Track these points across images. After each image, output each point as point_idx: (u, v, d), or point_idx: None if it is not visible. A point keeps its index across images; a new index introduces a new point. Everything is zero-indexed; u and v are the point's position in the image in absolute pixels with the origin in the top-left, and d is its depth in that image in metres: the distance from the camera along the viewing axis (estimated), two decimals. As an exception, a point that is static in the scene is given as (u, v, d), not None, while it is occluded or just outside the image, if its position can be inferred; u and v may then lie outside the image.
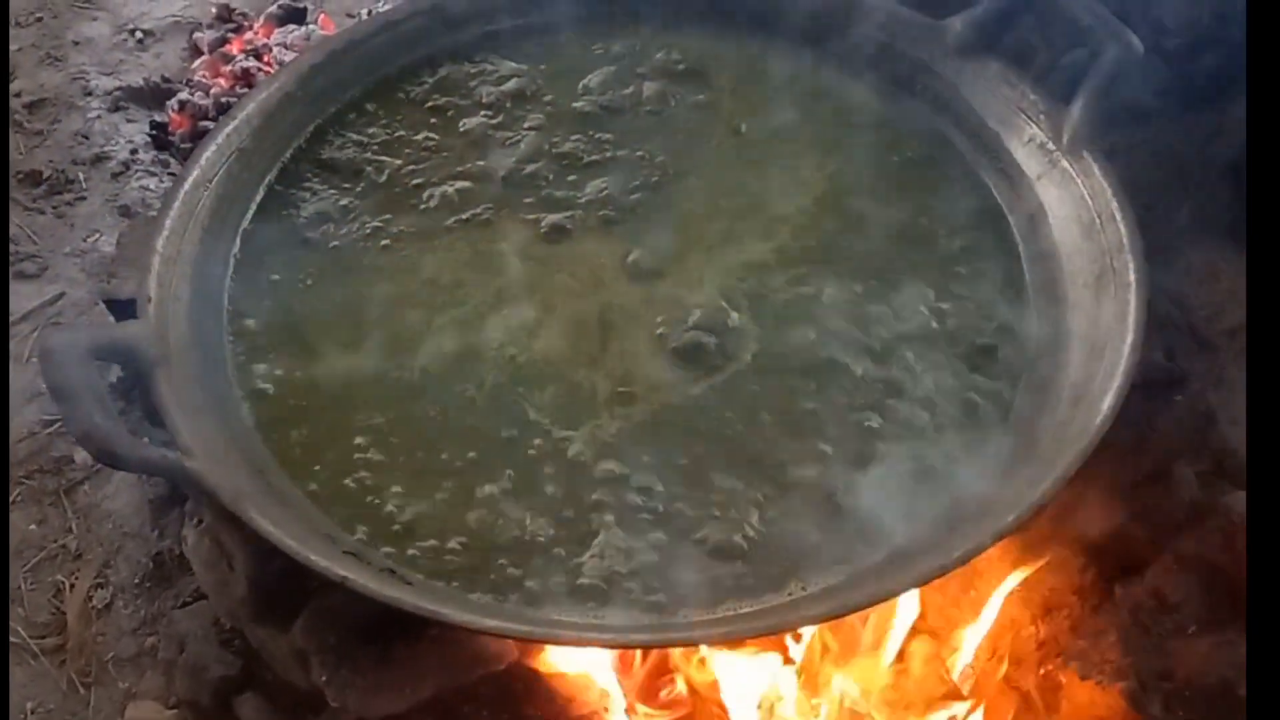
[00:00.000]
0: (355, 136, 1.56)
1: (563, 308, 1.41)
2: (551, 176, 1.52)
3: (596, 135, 1.56)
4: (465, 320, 1.39)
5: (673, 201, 1.50)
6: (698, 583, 1.19)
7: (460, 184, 1.51)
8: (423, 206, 1.49)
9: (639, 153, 1.54)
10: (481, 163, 1.53)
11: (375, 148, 1.55)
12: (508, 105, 1.59)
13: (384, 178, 1.52)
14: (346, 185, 1.51)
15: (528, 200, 1.50)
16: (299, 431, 1.30)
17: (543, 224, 1.47)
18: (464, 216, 1.48)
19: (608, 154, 1.54)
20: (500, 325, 1.39)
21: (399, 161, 1.53)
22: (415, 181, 1.52)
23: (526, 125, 1.57)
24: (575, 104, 1.59)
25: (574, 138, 1.55)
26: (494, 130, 1.57)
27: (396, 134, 1.56)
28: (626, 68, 1.62)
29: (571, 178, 1.52)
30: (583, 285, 1.43)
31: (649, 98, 1.59)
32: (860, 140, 1.56)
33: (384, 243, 1.46)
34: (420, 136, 1.56)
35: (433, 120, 1.58)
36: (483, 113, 1.59)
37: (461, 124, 1.58)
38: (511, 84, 1.61)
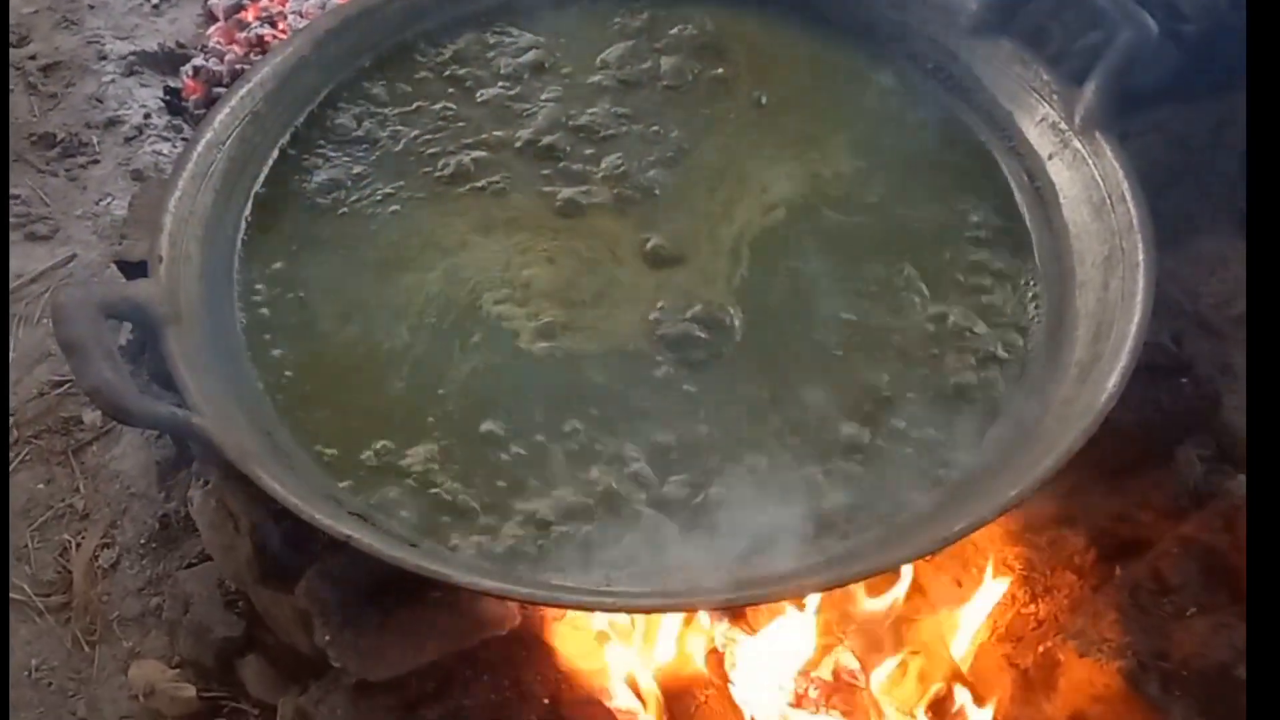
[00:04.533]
0: (370, 104, 1.56)
1: (566, 275, 1.41)
2: (569, 149, 1.52)
3: (614, 109, 1.56)
4: (474, 282, 1.40)
5: (688, 178, 1.50)
6: (697, 551, 1.20)
7: (477, 153, 1.51)
8: (437, 174, 1.49)
9: (655, 127, 1.54)
10: (499, 133, 1.54)
11: (391, 115, 1.55)
12: (525, 77, 1.59)
13: (399, 145, 1.52)
14: (360, 152, 1.52)
15: (544, 172, 1.50)
16: (306, 393, 1.31)
17: (558, 198, 1.48)
18: (479, 185, 1.49)
19: (624, 128, 1.54)
20: (507, 288, 1.40)
21: (415, 130, 1.54)
22: (431, 150, 1.52)
23: (544, 97, 1.57)
24: (593, 78, 1.59)
25: (591, 111, 1.55)
26: (511, 101, 1.57)
27: (414, 103, 1.56)
28: (644, 43, 1.62)
29: (588, 151, 1.52)
30: (595, 259, 1.43)
31: (667, 72, 1.59)
32: (872, 118, 1.56)
33: (394, 208, 1.46)
34: (438, 106, 1.56)
35: (450, 90, 1.58)
36: (500, 83, 1.59)
37: (479, 94, 1.58)
38: (530, 56, 1.61)
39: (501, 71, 1.59)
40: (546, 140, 1.52)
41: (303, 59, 1.54)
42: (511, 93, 1.58)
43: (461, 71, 1.59)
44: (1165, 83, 1.69)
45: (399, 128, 1.54)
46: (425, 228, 1.45)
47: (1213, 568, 1.41)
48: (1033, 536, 1.46)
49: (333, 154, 1.52)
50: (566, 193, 1.48)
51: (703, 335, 1.35)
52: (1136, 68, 1.43)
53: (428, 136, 1.53)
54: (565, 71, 1.60)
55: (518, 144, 1.52)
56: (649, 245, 1.43)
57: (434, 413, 1.30)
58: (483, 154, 1.52)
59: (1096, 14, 1.43)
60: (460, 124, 1.55)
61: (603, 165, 1.50)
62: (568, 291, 1.39)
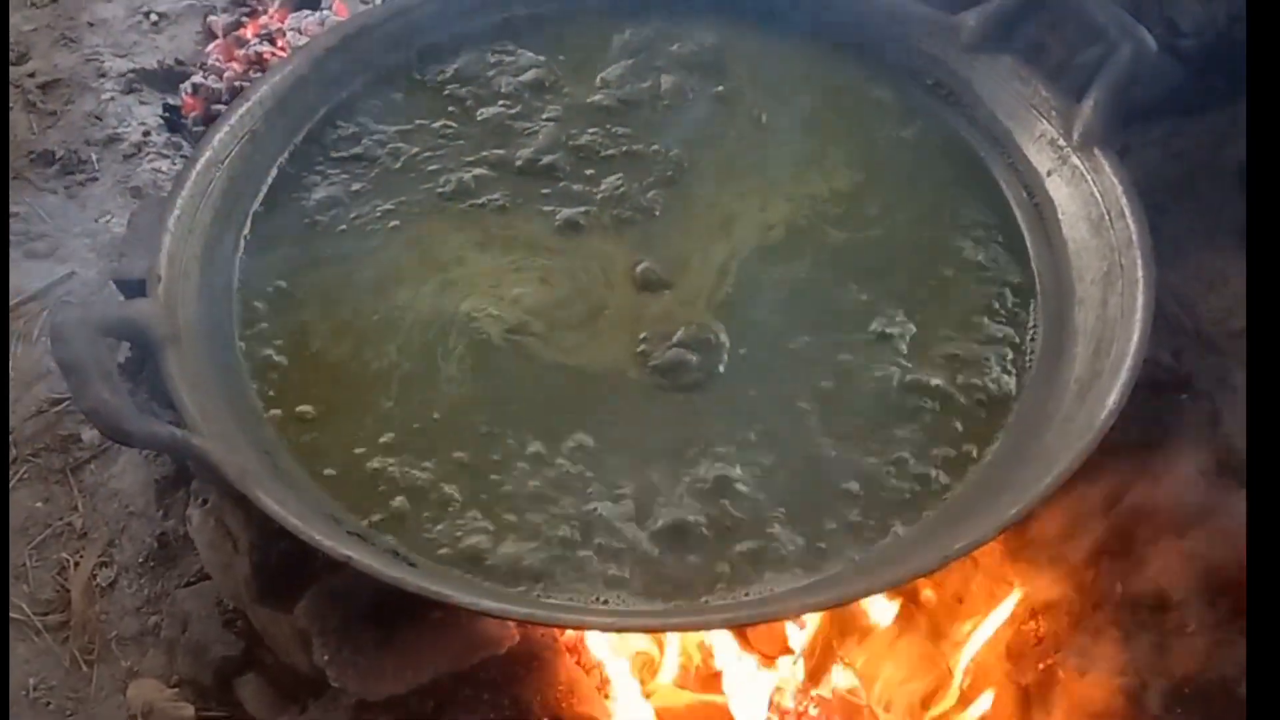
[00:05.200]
0: (369, 122, 1.56)
1: (558, 295, 1.41)
2: (569, 169, 1.51)
3: (614, 129, 1.55)
4: (464, 298, 1.40)
5: (688, 198, 1.49)
6: (693, 571, 1.20)
7: (477, 171, 1.51)
8: (438, 190, 1.49)
9: (655, 146, 1.53)
10: (499, 151, 1.53)
11: (391, 133, 1.55)
12: (526, 96, 1.59)
13: (399, 163, 1.52)
14: (359, 169, 1.51)
15: (544, 192, 1.49)
16: (305, 411, 1.30)
17: (557, 218, 1.47)
18: (479, 202, 1.48)
19: (624, 149, 1.54)
20: (496, 305, 1.39)
21: (415, 148, 1.53)
22: (431, 167, 1.52)
23: (545, 116, 1.57)
24: (593, 97, 1.59)
25: (591, 131, 1.55)
26: (512, 120, 1.57)
27: (414, 120, 1.56)
28: (644, 61, 1.62)
29: (589, 172, 1.51)
30: (589, 280, 1.42)
31: (667, 91, 1.59)
32: (870, 134, 1.56)
33: (393, 224, 1.46)
34: (438, 124, 1.56)
35: (450, 108, 1.58)
36: (501, 102, 1.58)
37: (480, 113, 1.57)
38: (530, 74, 1.60)
39: (502, 90, 1.59)
40: (547, 160, 1.52)
41: (301, 77, 1.54)
42: (512, 111, 1.57)
43: (462, 90, 1.59)
44: (1164, 98, 1.69)
45: (398, 145, 1.54)
46: (423, 243, 1.45)
47: (1214, 584, 1.40)
48: (1033, 553, 1.45)
49: (332, 172, 1.51)
50: (566, 213, 1.47)
51: (692, 359, 1.34)
52: (1135, 83, 1.43)
53: (428, 154, 1.53)
54: (566, 90, 1.59)
55: (518, 163, 1.52)
56: (641, 267, 1.42)
57: (429, 430, 1.29)
58: (483, 171, 1.51)
59: (1095, 29, 1.43)
60: (460, 142, 1.54)
61: (603, 186, 1.49)
62: (557, 311, 1.39)
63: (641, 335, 1.36)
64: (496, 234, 1.46)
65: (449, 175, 1.51)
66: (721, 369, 1.34)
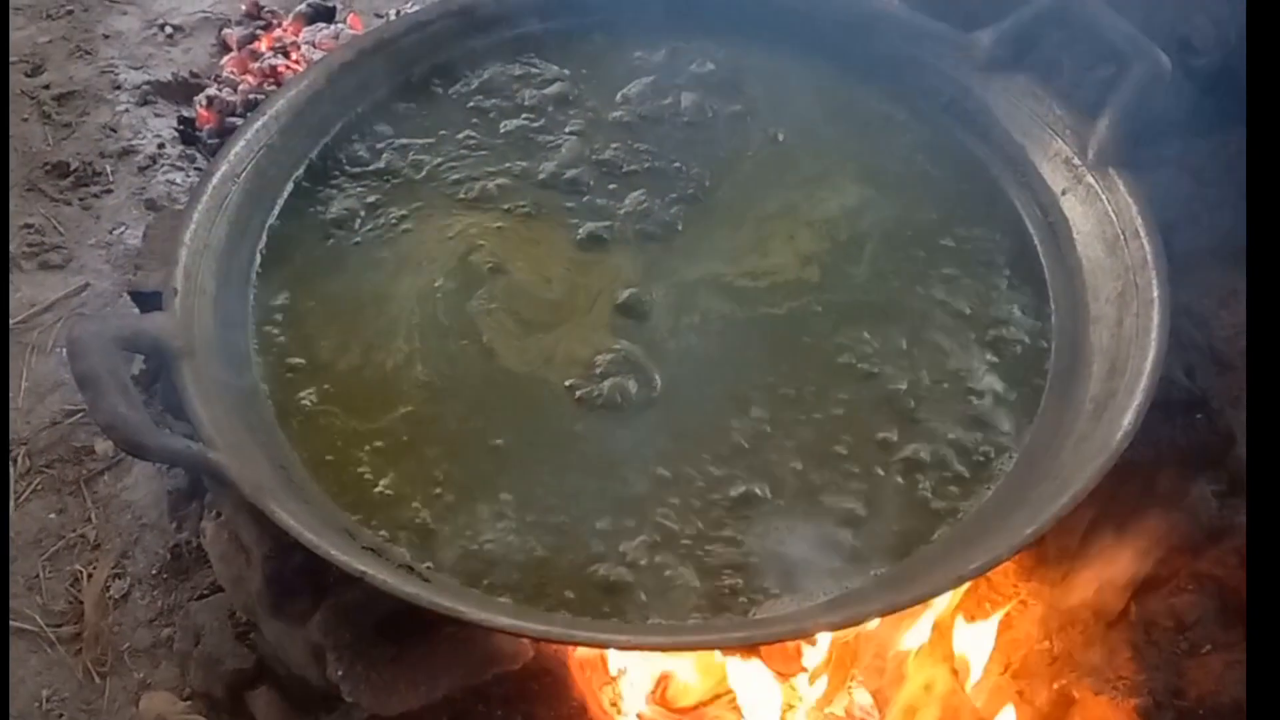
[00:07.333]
0: (388, 134, 1.57)
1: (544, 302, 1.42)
2: (591, 183, 1.52)
3: (635, 145, 1.56)
4: (477, 309, 1.41)
5: (710, 218, 1.50)
6: (705, 589, 1.20)
7: (500, 180, 1.52)
8: (460, 197, 1.50)
9: (676, 164, 1.54)
10: (523, 163, 1.54)
11: (412, 145, 1.56)
12: (549, 109, 1.60)
13: (421, 173, 1.53)
14: (377, 181, 1.52)
15: (568, 205, 1.50)
16: (320, 424, 1.31)
17: (580, 231, 1.48)
18: (504, 208, 1.50)
19: (646, 165, 1.54)
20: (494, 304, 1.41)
21: (438, 159, 1.54)
22: (455, 176, 1.53)
23: (567, 130, 1.58)
24: (614, 113, 1.59)
25: (614, 146, 1.56)
26: (535, 133, 1.57)
27: (438, 132, 1.57)
28: (664, 78, 1.63)
29: (611, 186, 1.52)
30: (583, 301, 1.43)
31: (687, 109, 1.60)
32: (884, 152, 1.56)
33: (406, 226, 1.48)
34: (461, 135, 1.57)
35: (474, 120, 1.59)
36: (524, 115, 1.59)
37: (503, 125, 1.58)
38: (554, 88, 1.61)
39: (525, 103, 1.60)
40: (570, 174, 1.53)
41: (318, 91, 1.54)
42: (535, 125, 1.58)
43: (486, 102, 1.60)
44: (1178, 117, 1.69)
45: (420, 157, 1.55)
46: (435, 240, 1.46)
47: (1227, 604, 1.40)
48: (1047, 572, 1.45)
49: (347, 184, 1.52)
50: (589, 226, 1.48)
51: (627, 388, 1.34)
52: (1150, 101, 1.43)
53: (451, 164, 1.54)
54: (589, 105, 1.60)
55: (541, 176, 1.53)
56: (626, 293, 1.42)
57: (442, 444, 1.30)
58: (506, 181, 1.52)
59: (1110, 49, 1.43)
60: (483, 152, 1.55)
61: (626, 201, 1.50)
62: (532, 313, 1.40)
63: (593, 358, 1.36)
64: (519, 237, 1.47)
65: (472, 184, 1.52)
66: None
